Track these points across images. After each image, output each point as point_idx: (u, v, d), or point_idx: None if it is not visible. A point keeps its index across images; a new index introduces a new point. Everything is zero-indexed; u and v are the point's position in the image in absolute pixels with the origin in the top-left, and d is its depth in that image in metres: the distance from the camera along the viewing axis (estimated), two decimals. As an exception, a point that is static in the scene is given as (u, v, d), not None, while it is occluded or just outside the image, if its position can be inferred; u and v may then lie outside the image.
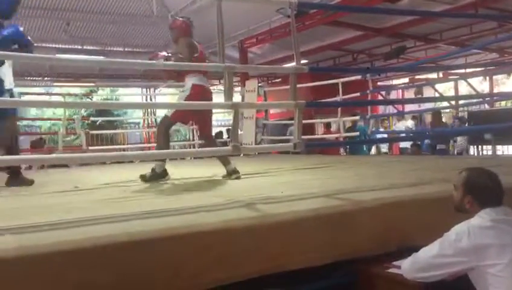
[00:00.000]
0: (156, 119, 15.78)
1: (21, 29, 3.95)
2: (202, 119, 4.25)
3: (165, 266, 1.93)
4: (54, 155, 5.19)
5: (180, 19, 4.34)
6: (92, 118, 11.68)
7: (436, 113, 8.60)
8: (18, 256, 1.70)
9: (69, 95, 9.80)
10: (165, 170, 4.01)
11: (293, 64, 3.14)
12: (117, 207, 2.69)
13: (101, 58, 10.28)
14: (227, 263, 2.03)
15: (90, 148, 7.59)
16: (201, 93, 4.00)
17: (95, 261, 1.81)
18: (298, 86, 3.17)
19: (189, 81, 4.08)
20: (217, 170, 4.80)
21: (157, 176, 3.95)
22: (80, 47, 11.58)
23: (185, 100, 3.99)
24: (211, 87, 14.75)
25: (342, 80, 7.37)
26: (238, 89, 9.55)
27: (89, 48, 11.63)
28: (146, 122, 15.25)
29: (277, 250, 2.15)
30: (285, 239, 2.20)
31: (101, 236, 1.86)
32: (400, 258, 2.24)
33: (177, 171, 4.82)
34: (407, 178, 3.45)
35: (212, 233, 2.01)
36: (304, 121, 3.30)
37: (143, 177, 3.95)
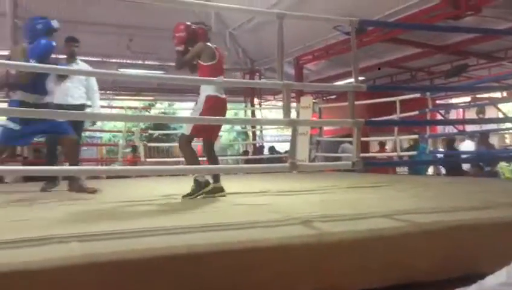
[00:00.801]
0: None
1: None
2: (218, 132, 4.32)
3: (221, 280, 1.94)
4: (118, 167, 5.38)
5: (193, 25, 4.26)
6: (150, 131, 12.06)
7: (483, 135, 8.27)
8: (82, 263, 1.76)
9: (130, 108, 10.15)
10: (208, 180, 3.93)
11: (352, 81, 3.11)
12: (176, 219, 2.76)
13: (159, 73, 10.61)
14: (283, 280, 2.02)
15: (148, 160, 7.81)
16: (216, 104, 3.93)
17: (154, 272, 1.85)
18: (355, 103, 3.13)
19: (203, 92, 3.98)
20: (270, 186, 4.82)
21: (201, 186, 3.87)
22: (141, 62, 12.03)
23: (200, 114, 3.90)
24: (265, 103, 14.84)
25: (399, 97, 7.21)
26: (293, 105, 9.57)
27: (149, 63, 12.06)
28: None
29: (334, 270, 2.11)
30: (343, 259, 2.16)
31: (161, 247, 1.91)
32: (464, 285, 2.14)
33: (230, 186, 4.87)
34: (470, 200, 3.31)
35: (269, 250, 2.01)
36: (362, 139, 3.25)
37: (187, 195, 3.89)
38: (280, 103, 16.20)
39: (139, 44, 11.58)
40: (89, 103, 5.52)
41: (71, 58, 5.31)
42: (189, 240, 2.03)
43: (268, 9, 4.30)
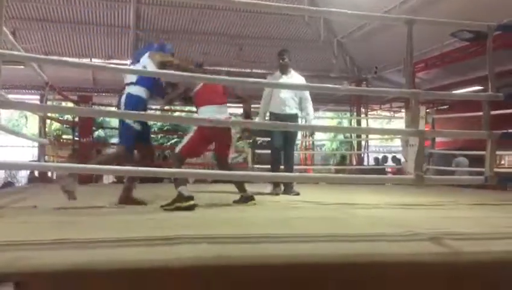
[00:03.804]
0: (313, 142, 16.06)
1: None
2: (221, 146, 4.18)
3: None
4: (244, 172, 5.42)
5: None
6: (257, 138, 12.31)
7: None
8: (215, 265, 1.80)
9: (236, 115, 10.41)
10: (191, 196, 3.65)
11: (476, 88, 2.89)
12: (299, 227, 2.75)
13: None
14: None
15: (255, 166, 7.95)
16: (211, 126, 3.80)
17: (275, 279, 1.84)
18: (472, 114, 2.89)
19: (202, 115, 4.07)
20: (385, 198, 4.66)
21: (185, 199, 3.61)
22: (249, 70, 12.30)
23: (194, 133, 3.98)
24: (371, 112, 14.21)
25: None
26: (399, 115, 9.19)
27: (257, 71, 12.30)
28: (304, 144, 15.54)
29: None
30: (479, 281, 1.99)
31: (283, 255, 1.92)
32: None
33: (344, 196, 4.78)
34: None
35: (400, 265, 1.92)
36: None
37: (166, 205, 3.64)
38: (384, 113, 15.74)
39: (249, 53, 11.88)
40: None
41: (283, 71, 5.48)
42: (313, 249, 2.00)
43: (393, 15, 4.18)
